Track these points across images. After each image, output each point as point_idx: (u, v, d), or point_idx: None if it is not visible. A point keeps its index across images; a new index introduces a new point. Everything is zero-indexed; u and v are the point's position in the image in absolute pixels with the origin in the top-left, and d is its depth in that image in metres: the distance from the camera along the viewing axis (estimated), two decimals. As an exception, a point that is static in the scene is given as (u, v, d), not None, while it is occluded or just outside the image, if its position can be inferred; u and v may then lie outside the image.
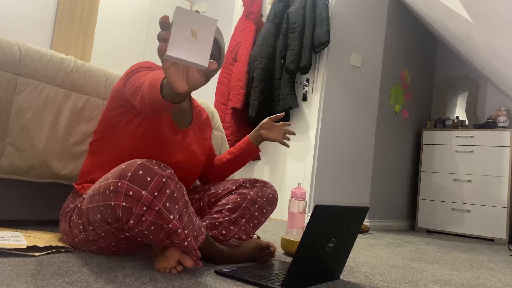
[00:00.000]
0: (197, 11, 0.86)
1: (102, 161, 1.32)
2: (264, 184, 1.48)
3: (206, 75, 1.28)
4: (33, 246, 1.17)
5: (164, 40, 0.83)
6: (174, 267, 1.12)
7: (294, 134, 1.59)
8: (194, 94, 4.24)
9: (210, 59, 1.36)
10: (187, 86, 0.89)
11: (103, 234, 1.17)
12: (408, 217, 4.06)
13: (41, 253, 1.15)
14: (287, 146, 1.58)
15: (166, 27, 0.84)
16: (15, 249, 1.13)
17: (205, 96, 4.14)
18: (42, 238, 1.29)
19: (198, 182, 1.89)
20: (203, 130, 1.56)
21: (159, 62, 4.04)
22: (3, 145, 1.43)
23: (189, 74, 0.89)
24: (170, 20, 0.84)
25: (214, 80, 4.07)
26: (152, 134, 1.30)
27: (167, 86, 0.99)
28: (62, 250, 1.23)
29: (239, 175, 3.73)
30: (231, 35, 3.93)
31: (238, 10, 4.02)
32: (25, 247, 1.14)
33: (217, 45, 1.38)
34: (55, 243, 1.25)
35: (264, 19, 3.78)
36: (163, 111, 1.11)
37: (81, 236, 1.22)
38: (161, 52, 0.83)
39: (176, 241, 1.08)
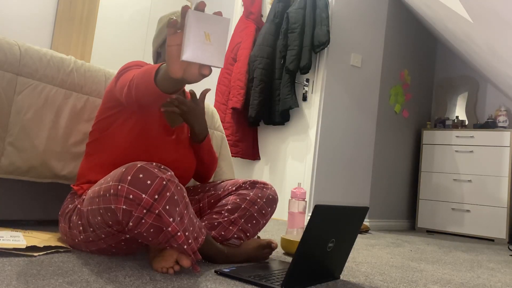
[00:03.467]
0: (216, 12, 0.86)
1: (99, 162, 1.32)
2: (264, 185, 1.48)
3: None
4: (32, 246, 1.17)
5: (173, 26, 0.86)
6: (171, 267, 1.11)
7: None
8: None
9: None
10: (182, 74, 0.89)
11: (103, 235, 1.17)
12: (408, 217, 4.06)
13: (40, 253, 1.15)
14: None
15: (172, 26, 0.86)
16: (14, 249, 1.13)
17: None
18: (41, 238, 1.29)
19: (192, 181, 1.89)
20: None
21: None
22: (3, 145, 1.43)
23: (189, 67, 0.89)
24: (180, 21, 0.86)
25: (214, 80, 4.07)
26: (146, 135, 1.29)
27: (163, 70, 0.99)
28: (62, 250, 1.23)
29: (238, 174, 3.73)
30: (231, 35, 3.93)
31: (238, 10, 4.02)
32: (24, 247, 1.14)
33: None
34: (54, 243, 1.25)
35: (264, 19, 3.78)
36: (148, 102, 1.10)
37: (81, 237, 1.22)
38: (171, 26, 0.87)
39: (175, 246, 1.08)
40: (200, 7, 0.84)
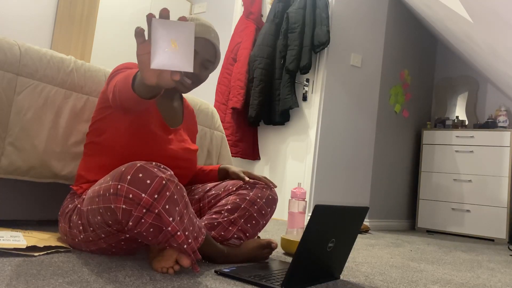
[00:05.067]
0: (184, 17, 0.89)
1: (97, 163, 1.32)
2: (264, 185, 1.48)
3: (183, 85, 1.32)
4: (33, 246, 1.17)
5: (141, 35, 0.88)
6: (171, 267, 1.11)
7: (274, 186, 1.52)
8: (194, 94, 4.24)
9: (206, 66, 1.40)
10: (156, 80, 0.91)
11: (103, 235, 1.17)
12: (408, 217, 4.06)
13: (40, 253, 1.15)
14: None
15: (140, 35, 0.88)
16: (15, 249, 1.13)
17: (205, 96, 4.14)
18: (41, 238, 1.29)
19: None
20: (192, 129, 1.58)
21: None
22: (3, 145, 1.43)
23: (162, 74, 0.91)
24: (147, 31, 0.87)
25: (214, 80, 4.07)
26: (144, 133, 1.30)
27: (139, 77, 1.03)
28: (62, 250, 1.23)
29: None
30: (231, 35, 3.93)
31: (238, 10, 4.02)
32: (24, 247, 1.14)
33: (213, 50, 1.39)
34: (54, 243, 1.25)
35: (264, 19, 3.78)
36: (131, 106, 1.13)
37: (81, 236, 1.22)
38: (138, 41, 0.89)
39: (175, 245, 1.08)
40: (164, 14, 0.85)
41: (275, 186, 1.51)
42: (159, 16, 0.86)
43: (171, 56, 0.85)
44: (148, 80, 0.91)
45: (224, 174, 1.59)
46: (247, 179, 1.48)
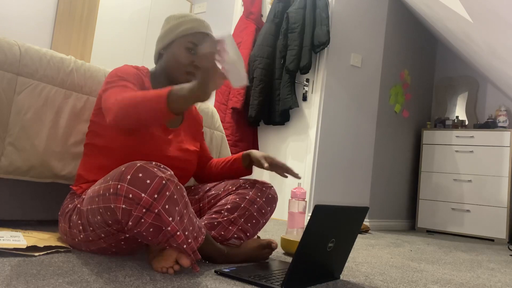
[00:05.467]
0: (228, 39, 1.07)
1: (96, 163, 1.32)
2: (264, 184, 1.48)
3: None
4: (33, 246, 1.17)
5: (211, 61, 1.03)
6: (171, 267, 1.11)
7: (298, 177, 1.48)
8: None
9: None
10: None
11: (103, 235, 1.17)
12: (408, 217, 4.06)
13: (40, 253, 1.15)
14: (284, 176, 1.52)
15: (216, 67, 1.03)
16: (15, 249, 1.13)
17: (205, 96, 4.14)
18: (41, 238, 1.29)
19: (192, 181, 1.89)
20: (194, 129, 1.57)
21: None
22: (3, 145, 1.43)
23: (216, 82, 1.05)
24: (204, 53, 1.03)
25: (214, 80, 4.07)
26: (143, 134, 1.30)
27: (175, 95, 1.09)
28: (62, 250, 1.23)
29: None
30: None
31: (238, 10, 4.02)
32: (24, 247, 1.14)
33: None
34: (54, 243, 1.25)
35: (264, 19, 3.78)
36: (153, 124, 1.17)
37: (81, 236, 1.22)
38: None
39: (175, 245, 1.08)
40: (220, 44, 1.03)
41: (299, 177, 1.48)
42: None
43: (238, 68, 1.04)
44: (208, 97, 1.05)
45: (248, 161, 1.55)
46: (266, 165, 1.45)
